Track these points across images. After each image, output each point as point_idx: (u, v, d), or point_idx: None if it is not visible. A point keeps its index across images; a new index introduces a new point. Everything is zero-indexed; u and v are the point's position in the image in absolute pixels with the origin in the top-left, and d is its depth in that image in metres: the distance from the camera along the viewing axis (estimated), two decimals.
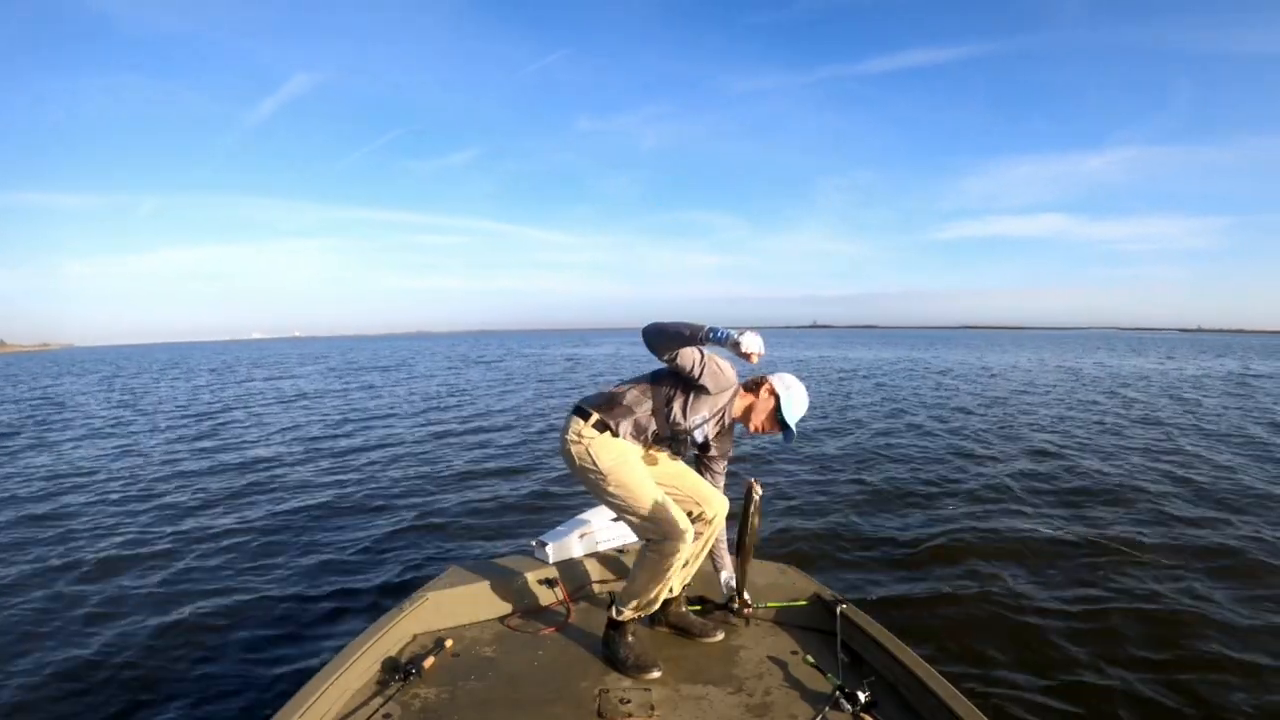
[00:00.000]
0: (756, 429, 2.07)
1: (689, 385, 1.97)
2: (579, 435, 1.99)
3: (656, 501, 1.95)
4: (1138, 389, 14.57)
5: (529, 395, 14.32)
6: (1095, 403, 12.05)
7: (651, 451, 2.09)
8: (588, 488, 2.06)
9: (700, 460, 2.21)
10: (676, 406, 1.99)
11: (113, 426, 10.70)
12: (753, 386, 2.08)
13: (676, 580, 2.22)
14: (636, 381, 2.08)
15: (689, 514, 2.03)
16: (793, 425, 2.04)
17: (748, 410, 2.07)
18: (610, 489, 1.97)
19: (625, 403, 2.01)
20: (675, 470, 2.14)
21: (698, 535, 2.10)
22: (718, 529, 2.19)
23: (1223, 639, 2.99)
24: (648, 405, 2.01)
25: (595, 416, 1.98)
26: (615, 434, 1.98)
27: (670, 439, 2.05)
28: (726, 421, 2.10)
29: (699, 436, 2.07)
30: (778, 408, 2.02)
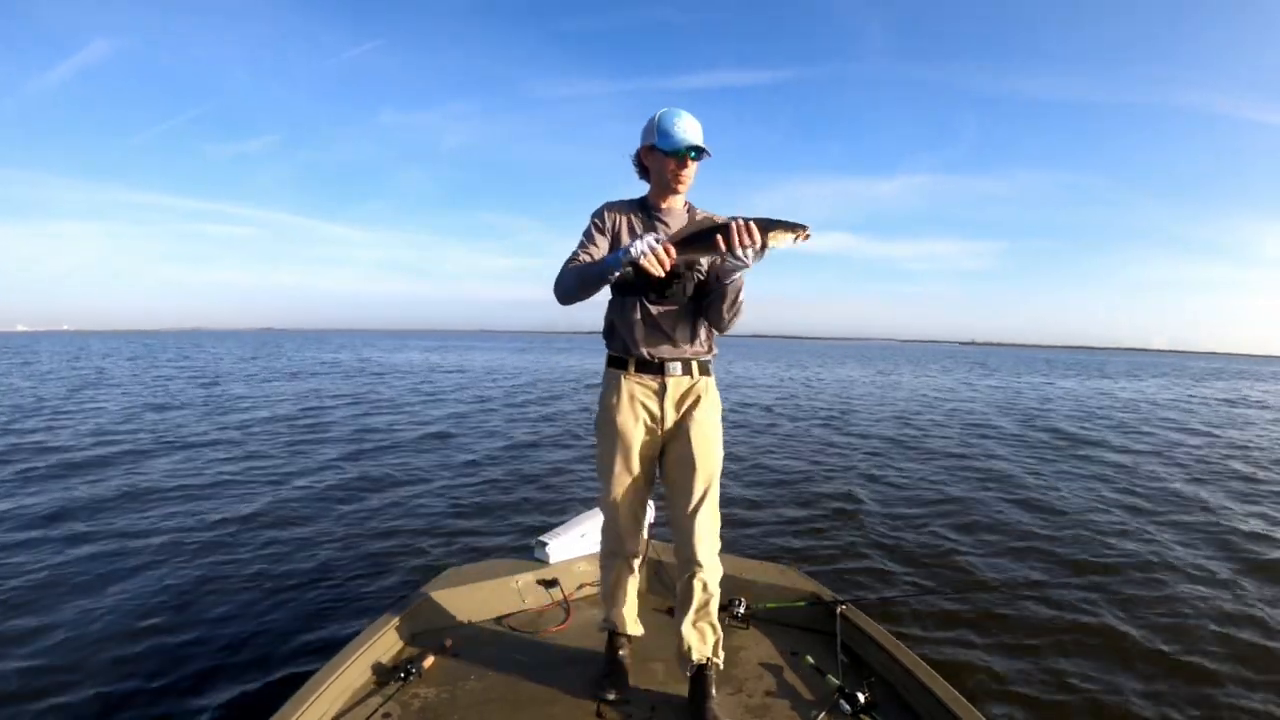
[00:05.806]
0: (678, 185, 1.71)
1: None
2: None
3: (615, 491, 1.78)
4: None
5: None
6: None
7: (648, 381, 1.74)
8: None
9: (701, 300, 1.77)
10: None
11: None
12: (639, 167, 1.76)
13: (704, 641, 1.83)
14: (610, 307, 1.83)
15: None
16: (684, 143, 1.63)
17: (660, 187, 1.74)
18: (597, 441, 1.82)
19: (609, 316, 1.80)
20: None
21: (629, 570, 1.94)
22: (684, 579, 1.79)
23: (1224, 643, 2.99)
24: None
25: (608, 354, 1.82)
26: (615, 359, 1.78)
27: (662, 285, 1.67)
28: (665, 221, 1.76)
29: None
30: (662, 151, 1.65)
